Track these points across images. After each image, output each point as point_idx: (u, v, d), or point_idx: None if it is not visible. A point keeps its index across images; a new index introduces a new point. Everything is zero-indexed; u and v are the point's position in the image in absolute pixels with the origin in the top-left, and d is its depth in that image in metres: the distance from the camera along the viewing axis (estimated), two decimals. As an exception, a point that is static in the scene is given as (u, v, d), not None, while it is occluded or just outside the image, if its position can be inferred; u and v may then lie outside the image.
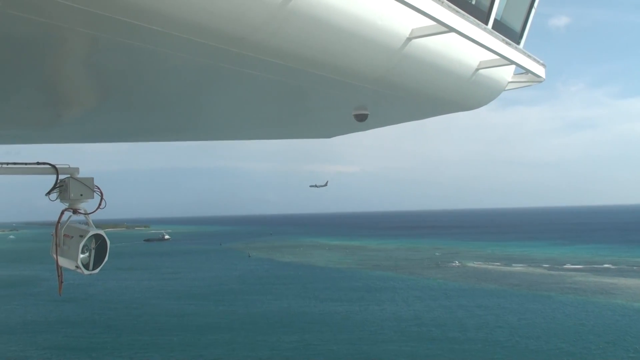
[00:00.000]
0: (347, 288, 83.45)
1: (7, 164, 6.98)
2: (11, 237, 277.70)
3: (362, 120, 7.80)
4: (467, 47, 6.61)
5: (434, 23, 5.56)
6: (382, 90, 6.66)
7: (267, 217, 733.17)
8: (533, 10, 8.34)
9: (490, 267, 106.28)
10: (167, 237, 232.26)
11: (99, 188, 7.21)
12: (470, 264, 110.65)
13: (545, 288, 78.57)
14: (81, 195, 7.09)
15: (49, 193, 7.06)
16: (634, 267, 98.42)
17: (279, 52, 5.16)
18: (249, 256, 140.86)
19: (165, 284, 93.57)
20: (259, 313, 66.57)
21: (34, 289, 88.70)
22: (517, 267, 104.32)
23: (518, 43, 7.90)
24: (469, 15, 5.91)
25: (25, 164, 7.06)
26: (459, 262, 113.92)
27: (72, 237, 6.97)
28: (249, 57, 5.09)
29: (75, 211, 7.11)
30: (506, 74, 8.21)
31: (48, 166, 7.09)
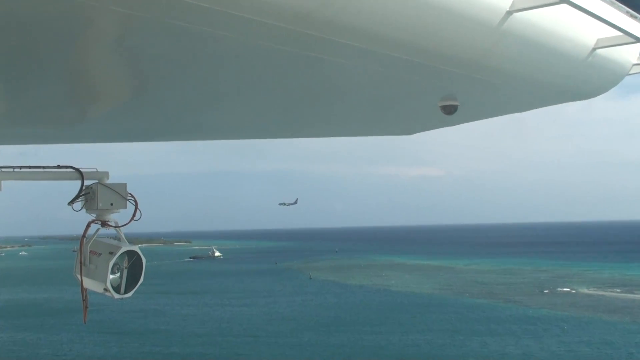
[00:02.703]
0: (436, 319, 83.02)
1: (23, 167, 6.97)
2: (23, 253, 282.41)
3: (450, 113, 7.70)
4: (581, 21, 6.44)
5: (540, -9, 5.44)
6: (476, 75, 6.55)
7: (331, 231, 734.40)
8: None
9: (610, 294, 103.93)
10: (217, 254, 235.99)
11: (132, 196, 7.18)
12: (584, 290, 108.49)
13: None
14: (111, 204, 7.06)
15: (72, 202, 7.02)
16: None
17: (350, 31, 5.06)
18: (310, 278, 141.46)
19: (232, 313, 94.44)
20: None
21: (49, 318, 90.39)
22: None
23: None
24: (584, -19, 5.76)
25: (44, 167, 7.07)
26: (570, 288, 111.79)
27: (101, 254, 6.94)
28: (315, 37, 5.00)
29: (104, 223, 7.08)
30: (630, 54, 7.98)
31: (71, 170, 7.08)
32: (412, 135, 11.53)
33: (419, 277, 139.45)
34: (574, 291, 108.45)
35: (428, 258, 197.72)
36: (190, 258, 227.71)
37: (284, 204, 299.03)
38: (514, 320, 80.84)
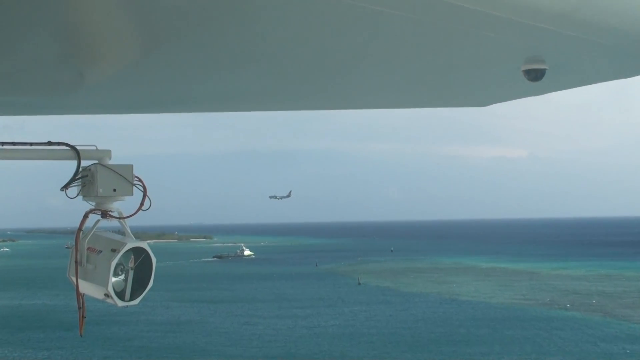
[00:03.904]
0: (518, 337, 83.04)
1: (5, 143, 6.91)
2: (4, 250, 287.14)
3: (535, 79, 7.61)
4: None
5: None
6: (569, 32, 6.46)
7: (385, 226, 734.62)
8: None
9: None
10: (247, 252, 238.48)
11: (140, 180, 7.12)
12: None
13: None
14: (114, 190, 6.98)
15: (66, 187, 6.94)
16: None
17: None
18: (359, 284, 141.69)
19: (265, 326, 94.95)
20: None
21: (36, 332, 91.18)
22: None
23: None
24: None
25: (32, 144, 6.99)
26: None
27: (101, 251, 6.88)
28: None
29: (105, 214, 7.02)
30: None
31: (65, 148, 7.02)
32: (487, 107, 11.46)
33: (494, 284, 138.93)
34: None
35: (505, 260, 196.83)
36: (213, 257, 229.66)
37: (275, 197, 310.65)
38: (616, 339, 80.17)
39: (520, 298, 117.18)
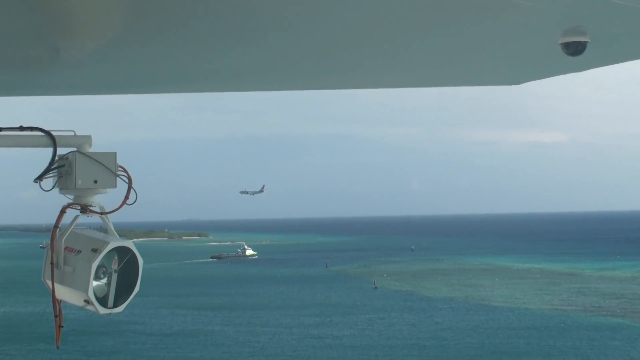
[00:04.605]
0: (561, 347, 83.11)
1: None
2: None
3: (575, 54, 7.60)
4: None
5: None
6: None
7: (404, 221, 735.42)
8: None
9: None
10: (249, 252, 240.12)
11: (125, 170, 7.12)
12: None
13: None
14: (95, 182, 6.97)
15: (40, 178, 6.95)
16: None
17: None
18: (375, 287, 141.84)
19: (271, 335, 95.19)
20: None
21: (5, 343, 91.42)
22: None
23: None
24: None
25: (1, 129, 7.01)
26: None
27: (80, 251, 6.85)
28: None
29: (85, 209, 7.02)
30: None
31: (39, 133, 7.03)
32: (520, 86, 11.48)
33: (530, 287, 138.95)
34: None
35: (542, 260, 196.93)
36: (211, 258, 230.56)
37: (247, 193, 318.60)
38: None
39: (560, 303, 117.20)
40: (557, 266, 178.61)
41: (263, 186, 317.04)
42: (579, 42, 7.53)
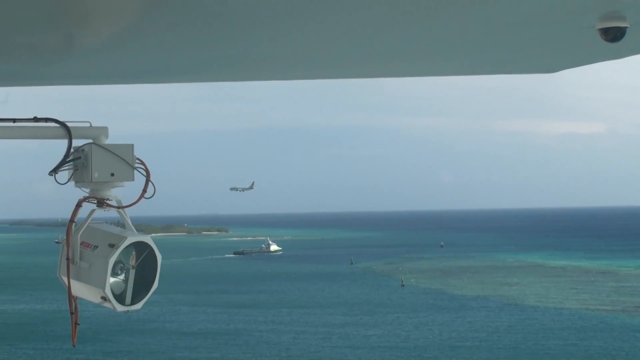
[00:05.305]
0: (597, 349, 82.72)
1: None
2: None
3: (614, 40, 7.56)
4: None
5: None
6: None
7: (433, 216, 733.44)
8: None
9: None
10: (274, 247, 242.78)
11: (142, 162, 7.13)
12: None
13: None
14: (112, 175, 6.96)
15: (55, 170, 6.96)
16: None
17: None
18: (402, 285, 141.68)
19: (294, 335, 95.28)
20: None
21: (21, 342, 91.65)
22: None
23: None
24: None
25: (15, 120, 7.01)
26: None
27: (97, 247, 6.86)
28: None
29: (101, 202, 7.02)
30: None
31: (54, 124, 7.04)
32: (556, 74, 11.43)
33: (566, 285, 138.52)
34: None
35: (578, 257, 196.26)
36: (234, 254, 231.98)
37: (236, 189, 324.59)
38: None
39: (598, 302, 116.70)
40: (593, 264, 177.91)
41: (253, 183, 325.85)
42: (618, 28, 7.49)
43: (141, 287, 6.99)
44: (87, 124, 7.11)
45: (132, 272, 6.92)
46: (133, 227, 7.03)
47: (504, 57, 10.62)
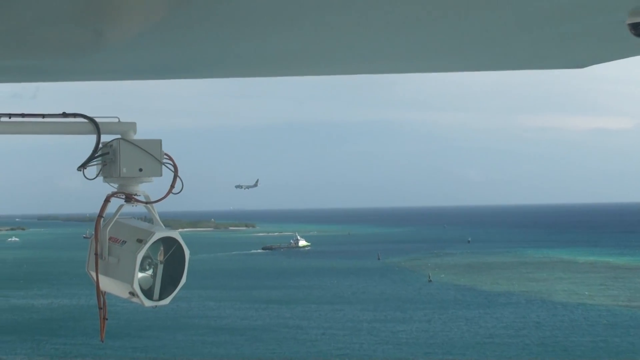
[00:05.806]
0: (628, 345, 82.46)
1: (13, 115, 6.91)
2: (12, 239, 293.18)
3: (643, 35, 7.54)
4: None
5: None
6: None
7: (460, 211, 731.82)
8: None
9: None
10: (302, 243, 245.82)
11: (170, 158, 7.13)
12: None
13: None
14: (140, 170, 6.98)
15: (83, 166, 6.97)
16: None
17: None
18: (430, 281, 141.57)
19: (322, 330, 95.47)
20: None
21: (49, 336, 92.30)
22: None
23: None
24: None
25: (44, 115, 7.01)
26: None
27: (125, 242, 6.87)
28: None
29: (129, 198, 7.03)
30: None
31: (82, 120, 7.05)
32: (585, 69, 11.36)
33: (595, 281, 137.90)
34: None
35: (607, 253, 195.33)
36: (262, 249, 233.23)
37: (241, 187, 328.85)
38: None
39: (627, 299, 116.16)
40: (623, 260, 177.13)
41: (257, 180, 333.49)
42: (648, 23, 7.45)
43: (169, 282, 6.99)
44: (116, 120, 7.13)
45: (160, 268, 6.93)
46: (161, 223, 7.02)
47: (533, 52, 10.56)
